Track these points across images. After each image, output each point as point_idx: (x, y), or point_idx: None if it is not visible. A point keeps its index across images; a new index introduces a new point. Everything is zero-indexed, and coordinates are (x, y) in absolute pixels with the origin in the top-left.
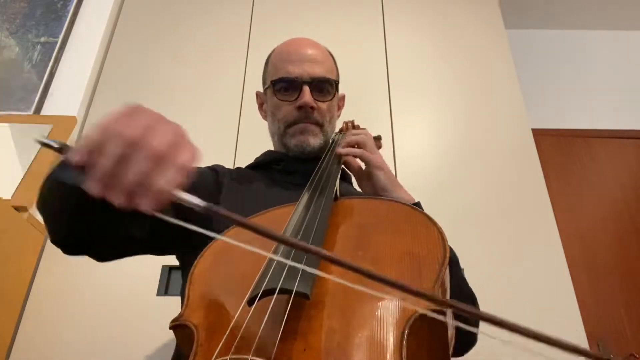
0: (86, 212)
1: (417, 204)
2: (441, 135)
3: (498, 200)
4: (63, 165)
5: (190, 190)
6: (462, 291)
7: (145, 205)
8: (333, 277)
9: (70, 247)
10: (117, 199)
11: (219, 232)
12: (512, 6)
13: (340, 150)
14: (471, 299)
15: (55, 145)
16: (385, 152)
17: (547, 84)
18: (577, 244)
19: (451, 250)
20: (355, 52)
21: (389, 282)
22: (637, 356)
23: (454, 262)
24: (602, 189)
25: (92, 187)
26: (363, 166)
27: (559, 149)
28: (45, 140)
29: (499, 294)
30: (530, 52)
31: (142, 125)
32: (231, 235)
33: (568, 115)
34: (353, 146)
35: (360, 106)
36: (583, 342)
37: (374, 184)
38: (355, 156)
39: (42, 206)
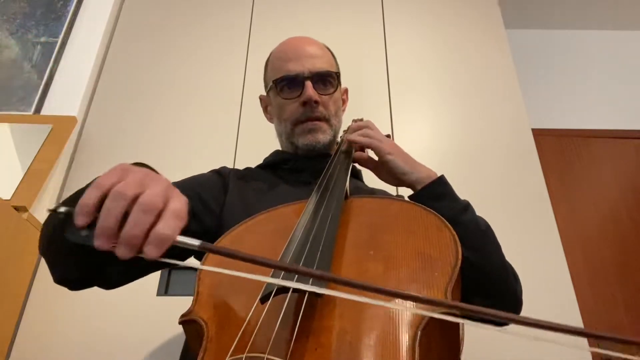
0: (92, 259)
1: (441, 177)
2: (441, 135)
3: (498, 200)
4: (72, 228)
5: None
6: (500, 258)
7: (152, 253)
8: (343, 293)
9: (76, 285)
10: (123, 253)
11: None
12: (512, 6)
13: (349, 136)
14: (512, 271)
15: (62, 211)
16: None
17: (547, 84)
18: (577, 244)
19: (485, 221)
20: (355, 52)
21: (400, 294)
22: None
23: (489, 231)
24: (602, 189)
25: (100, 244)
26: (374, 157)
27: (559, 149)
28: (52, 207)
29: None
30: (530, 52)
31: (136, 181)
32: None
33: (568, 115)
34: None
35: (360, 106)
36: (583, 342)
37: (390, 170)
38: (362, 144)
39: (46, 252)
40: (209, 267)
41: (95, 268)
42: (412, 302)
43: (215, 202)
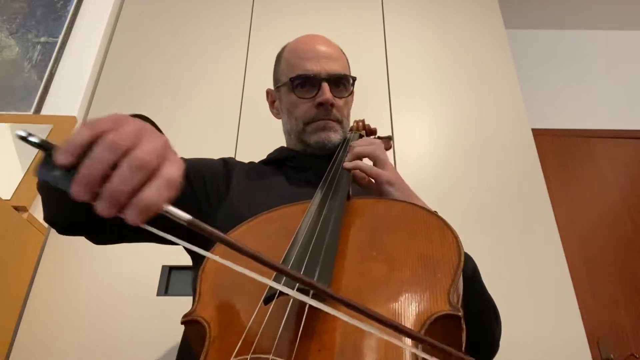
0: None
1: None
2: (441, 135)
3: (498, 200)
4: (46, 163)
5: (192, 184)
6: (485, 305)
7: (133, 217)
8: (341, 314)
9: (64, 229)
10: (104, 209)
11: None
12: (512, 6)
13: (347, 164)
14: (494, 314)
15: (36, 141)
16: (388, 152)
17: (547, 84)
18: (577, 244)
19: (472, 260)
20: (355, 52)
21: (393, 325)
22: (637, 356)
23: (475, 277)
24: (602, 189)
25: (78, 192)
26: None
27: (559, 149)
28: (23, 134)
29: (498, 294)
30: (530, 52)
31: (132, 133)
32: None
33: (568, 115)
34: (360, 159)
35: (360, 106)
36: (583, 342)
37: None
38: (362, 171)
39: (40, 190)
40: (214, 255)
41: (85, 215)
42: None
43: (216, 190)
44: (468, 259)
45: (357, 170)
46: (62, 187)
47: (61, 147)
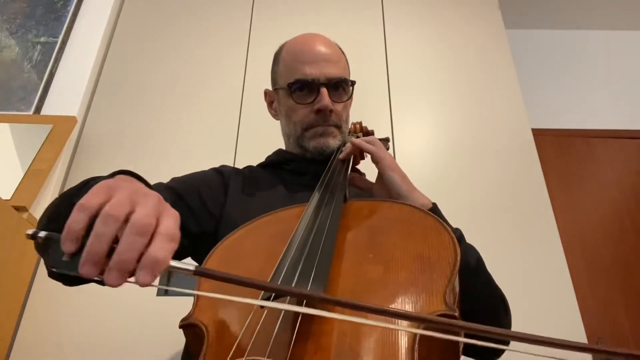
0: None
1: (434, 206)
2: (441, 135)
3: (498, 200)
4: (54, 253)
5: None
6: (492, 295)
7: (145, 279)
8: (334, 314)
9: (71, 284)
10: (114, 279)
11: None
12: (512, 6)
13: (354, 140)
14: (503, 303)
15: (42, 236)
16: None
17: (547, 84)
18: (577, 244)
19: (475, 251)
20: (355, 52)
21: (394, 314)
22: (637, 356)
23: (479, 267)
24: (602, 189)
25: (88, 272)
26: (371, 179)
27: (559, 149)
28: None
29: None
30: (530, 52)
31: (125, 201)
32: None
33: (568, 115)
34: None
35: (360, 106)
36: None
37: (388, 187)
38: (365, 151)
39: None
40: (203, 292)
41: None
42: (405, 320)
43: (214, 203)
44: (471, 249)
45: (355, 173)
46: (72, 272)
47: (64, 236)
